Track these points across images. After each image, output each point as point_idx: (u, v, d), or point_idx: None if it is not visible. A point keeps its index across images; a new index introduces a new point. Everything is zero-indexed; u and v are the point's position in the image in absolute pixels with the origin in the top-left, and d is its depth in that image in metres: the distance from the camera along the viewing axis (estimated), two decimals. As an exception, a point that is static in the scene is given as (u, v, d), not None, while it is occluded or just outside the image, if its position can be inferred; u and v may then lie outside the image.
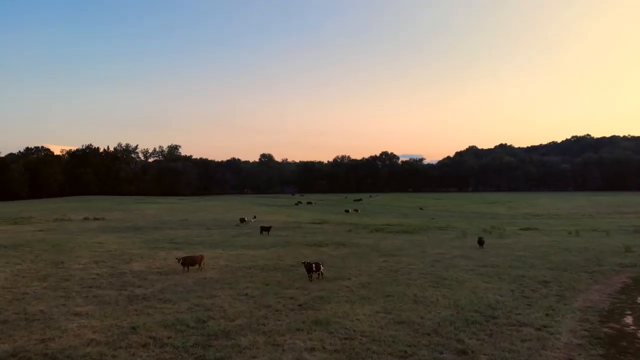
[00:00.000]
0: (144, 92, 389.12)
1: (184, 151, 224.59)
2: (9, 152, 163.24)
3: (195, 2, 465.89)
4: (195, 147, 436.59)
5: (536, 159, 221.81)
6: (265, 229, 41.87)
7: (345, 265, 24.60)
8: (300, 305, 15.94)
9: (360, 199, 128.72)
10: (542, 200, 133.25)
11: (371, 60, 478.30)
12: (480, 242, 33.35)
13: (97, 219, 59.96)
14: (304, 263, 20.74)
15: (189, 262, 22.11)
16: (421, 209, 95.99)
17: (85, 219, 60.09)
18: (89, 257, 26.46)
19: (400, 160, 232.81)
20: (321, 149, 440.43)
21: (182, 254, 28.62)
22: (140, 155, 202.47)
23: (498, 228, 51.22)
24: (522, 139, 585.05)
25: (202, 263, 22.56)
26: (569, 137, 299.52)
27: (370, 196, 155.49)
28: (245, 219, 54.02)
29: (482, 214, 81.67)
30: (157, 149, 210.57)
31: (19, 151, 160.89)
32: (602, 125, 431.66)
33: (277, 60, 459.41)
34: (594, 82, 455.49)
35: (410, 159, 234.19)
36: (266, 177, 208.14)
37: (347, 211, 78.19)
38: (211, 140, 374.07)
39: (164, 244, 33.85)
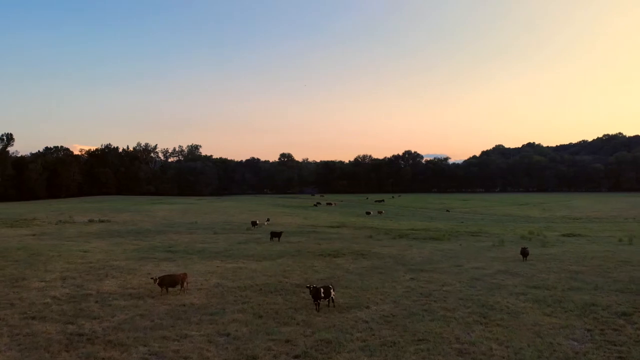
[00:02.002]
0: (166, 91, 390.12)
1: (204, 151, 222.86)
2: (30, 151, 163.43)
3: (216, 0, 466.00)
4: (215, 147, 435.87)
5: (567, 158, 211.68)
6: (275, 235, 37.46)
7: (364, 286, 19.97)
8: (296, 356, 11.38)
9: (382, 200, 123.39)
10: (576, 201, 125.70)
11: (394, 58, 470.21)
12: (524, 253, 28.36)
13: (103, 221, 56.56)
14: (309, 288, 16.18)
15: (168, 283, 17.78)
16: (448, 211, 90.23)
17: (90, 221, 56.75)
18: (60, 271, 22.42)
19: (424, 160, 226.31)
20: (342, 149, 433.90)
21: (172, 266, 24.48)
22: (160, 154, 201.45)
23: (537, 234, 45.76)
24: (550, 138, 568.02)
25: (184, 283, 18.18)
26: (600, 135, 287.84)
27: (392, 197, 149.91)
28: (258, 222, 49.77)
29: (514, 217, 75.69)
30: (177, 149, 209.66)
31: (38, 150, 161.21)
32: (634, 123, 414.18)
33: (298, 59, 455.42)
34: (624, 79, 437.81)
35: (434, 158, 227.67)
36: (286, 177, 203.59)
37: (368, 213, 73.31)
38: (232, 140, 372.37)
39: (158, 252, 29.74)
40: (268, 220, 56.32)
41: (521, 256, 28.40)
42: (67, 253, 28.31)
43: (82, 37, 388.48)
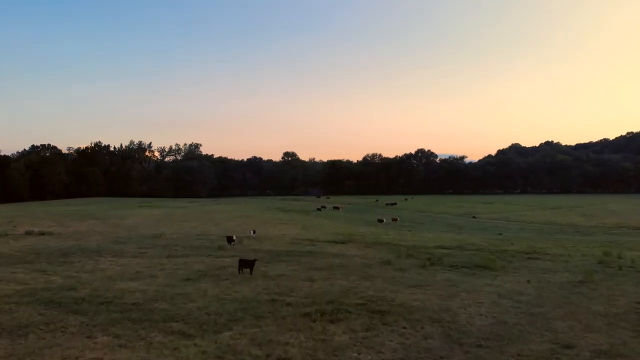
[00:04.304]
0: (167, 89, 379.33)
1: (205, 150, 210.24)
2: (17, 150, 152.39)
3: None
4: (216, 146, 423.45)
5: (593, 158, 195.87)
6: (245, 265, 24.97)
7: None
8: None
9: (395, 203, 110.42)
10: (611, 204, 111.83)
11: (404, 55, 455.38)
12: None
13: (44, 234, 44.62)
14: None
15: None
16: (474, 217, 76.92)
17: (27, 233, 44.73)
18: None
19: (437, 159, 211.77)
20: (351, 148, 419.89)
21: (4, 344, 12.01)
22: (157, 153, 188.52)
23: (618, 256, 32.95)
24: (566, 137, 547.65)
25: None
26: (623, 133, 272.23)
27: (405, 199, 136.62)
28: (234, 237, 37.15)
29: (560, 227, 62.47)
30: (174, 147, 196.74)
31: (24, 149, 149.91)
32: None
33: (306, 55, 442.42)
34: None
35: (449, 157, 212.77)
36: (290, 177, 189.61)
37: (380, 221, 60.51)
38: (234, 139, 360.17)
39: (22, 307, 17.27)
40: (254, 232, 43.81)
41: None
42: None
43: (77, 32, 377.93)
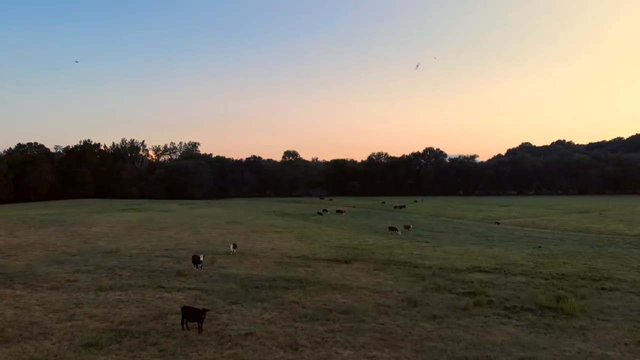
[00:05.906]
0: (165, 88, 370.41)
1: (203, 149, 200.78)
2: (2, 149, 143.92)
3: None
4: (216, 145, 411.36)
5: (612, 157, 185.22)
6: (192, 317, 15.98)
7: None
8: None
9: (403, 206, 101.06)
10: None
11: (406, 55, 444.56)
12: None
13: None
14: None
15: None
16: (497, 223, 67.51)
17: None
18: None
19: (447, 159, 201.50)
20: (356, 148, 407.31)
21: None
22: (151, 152, 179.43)
23: None
24: (578, 135, 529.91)
25: None
26: (637, 131, 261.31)
27: (415, 200, 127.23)
28: (201, 258, 28.09)
29: (602, 236, 52.79)
30: (169, 146, 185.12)
31: (9, 148, 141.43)
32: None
33: (308, 54, 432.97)
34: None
35: (459, 157, 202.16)
36: (291, 177, 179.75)
37: (392, 230, 51.27)
38: (235, 138, 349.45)
39: None
40: (234, 247, 34.76)
41: None
42: None
43: (71, 31, 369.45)
